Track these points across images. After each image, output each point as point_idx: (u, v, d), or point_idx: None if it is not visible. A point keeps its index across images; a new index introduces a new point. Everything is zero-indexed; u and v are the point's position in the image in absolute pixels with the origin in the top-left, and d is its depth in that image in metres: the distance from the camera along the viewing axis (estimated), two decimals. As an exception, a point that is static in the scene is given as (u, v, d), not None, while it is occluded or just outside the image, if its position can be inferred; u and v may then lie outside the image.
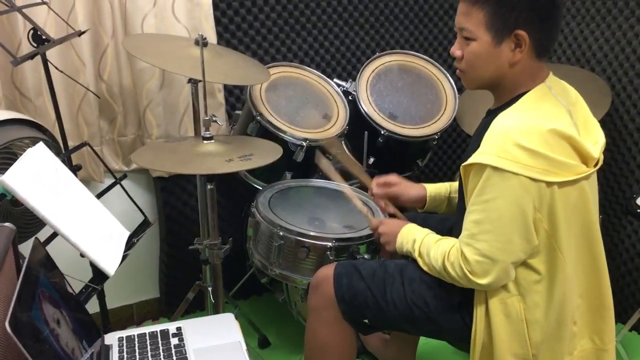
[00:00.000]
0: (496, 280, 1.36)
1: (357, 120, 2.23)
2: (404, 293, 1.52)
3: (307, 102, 2.20)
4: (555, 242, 1.36)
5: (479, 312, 1.44)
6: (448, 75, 2.39)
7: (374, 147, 2.22)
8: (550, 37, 1.38)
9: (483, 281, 1.36)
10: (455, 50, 1.44)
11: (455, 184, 1.76)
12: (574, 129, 1.35)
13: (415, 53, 2.44)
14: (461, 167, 1.39)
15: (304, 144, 2.05)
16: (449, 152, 2.98)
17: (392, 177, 1.81)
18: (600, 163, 1.42)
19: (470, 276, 1.37)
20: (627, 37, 2.27)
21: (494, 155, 1.29)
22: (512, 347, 1.41)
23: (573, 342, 1.48)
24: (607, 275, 1.49)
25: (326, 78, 2.31)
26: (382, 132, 2.18)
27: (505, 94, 1.43)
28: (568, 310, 1.42)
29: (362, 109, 2.21)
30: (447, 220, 1.79)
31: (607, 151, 2.43)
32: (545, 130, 1.30)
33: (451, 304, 1.51)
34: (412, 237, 1.55)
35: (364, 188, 2.16)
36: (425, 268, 1.50)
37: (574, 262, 1.41)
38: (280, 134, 2.04)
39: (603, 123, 2.37)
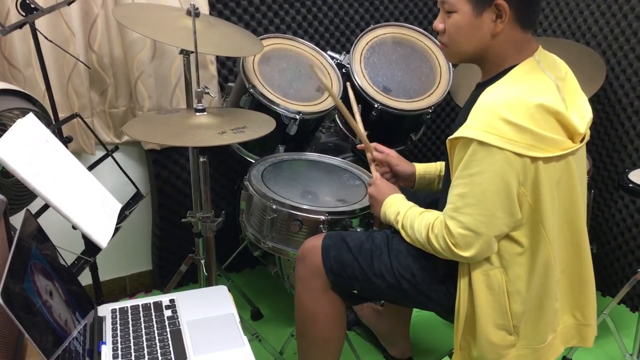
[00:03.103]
0: (479, 253, 1.37)
1: (351, 93, 2.21)
2: (391, 265, 1.54)
3: (300, 75, 2.19)
4: (538, 216, 1.37)
5: (462, 284, 1.46)
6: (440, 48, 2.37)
7: (368, 121, 2.21)
8: (531, 6, 1.38)
9: (466, 254, 1.37)
10: (438, 24, 1.44)
11: None
12: (562, 104, 1.35)
13: (410, 26, 2.42)
14: (447, 140, 1.40)
15: (297, 117, 2.04)
16: (442, 126, 2.97)
17: (390, 150, 1.81)
18: (587, 138, 1.42)
19: (454, 248, 1.38)
20: (623, 11, 2.26)
21: (479, 129, 1.29)
22: (493, 318, 1.43)
23: (556, 318, 1.50)
24: (588, 250, 1.51)
25: (320, 50, 2.29)
26: (376, 106, 2.17)
27: (492, 68, 1.43)
28: (550, 284, 1.44)
29: (355, 82, 2.20)
30: (435, 193, 1.79)
31: (600, 125, 2.43)
32: (532, 105, 1.29)
33: (437, 275, 1.52)
34: (396, 209, 1.55)
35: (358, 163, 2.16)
36: (408, 240, 1.51)
37: (556, 236, 1.42)
38: (274, 106, 2.03)
39: (597, 97, 2.38)
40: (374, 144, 1.81)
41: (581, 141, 1.40)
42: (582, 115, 1.41)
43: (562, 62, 1.48)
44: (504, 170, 1.30)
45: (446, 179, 1.49)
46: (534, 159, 1.31)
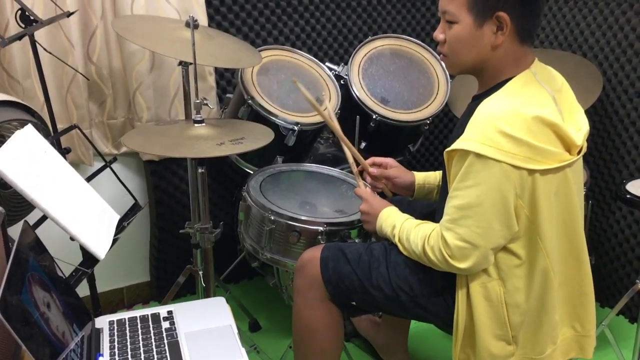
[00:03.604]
0: (475, 264, 1.37)
1: (349, 105, 2.22)
2: (389, 277, 1.54)
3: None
4: (535, 228, 1.37)
5: (460, 296, 1.45)
6: (440, 59, 2.38)
7: (366, 132, 2.22)
8: (532, 20, 1.38)
9: (462, 265, 1.37)
10: (438, 34, 1.44)
11: None
12: (559, 116, 1.35)
13: (408, 37, 2.43)
14: (445, 152, 1.40)
15: (296, 128, 2.04)
16: (440, 137, 2.98)
17: (389, 160, 1.80)
18: (584, 150, 1.42)
19: (450, 260, 1.38)
20: (619, 23, 2.27)
21: (477, 141, 1.30)
22: (492, 329, 1.43)
23: (556, 331, 1.50)
24: (587, 262, 1.50)
25: (318, 62, 2.30)
26: (374, 117, 2.18)
27: (489, 80, 1.44)
28: (549, 296, 1.43)
29: (354, 93, 2.21)
30: (432, 203, 1.79)
31: (597, 137, 2.44)
32: (529, 117, 1.30)
33: (435, 288, 1.52)
34: (392, 222, 1.55)
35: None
36: (405, 253, 1.51)
37: (554, 248, 1.42)
38: (272, 117, 2.03)
39: (594, 109, 2.39)
40: (371, 159, 1.79)
41: (578, 153, 1.40)
42: (578, 127, 1.42)
43: (558, 74, 1.49)
44: (501, 183, 1.30)
45: (443, 191, 1.50)
46: (531, 172, 1.31)
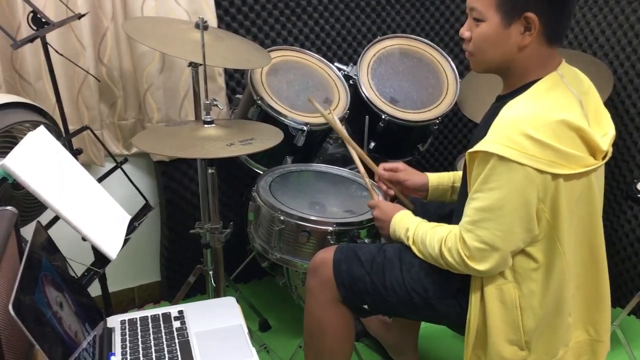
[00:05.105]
0: (494, 267, 1.36)
1: (358, 105, 2.22)
2: (403, 279, 1.53)
3: (308, 86, 2.20)
4: (555, 232, 1.36)
5: (474, 298, 1.44)
6: (449, 59, 2.38)
7: (375, 132, 2.22)
8: (560, 22, 1.35)
9: (481, 267, 1.36)
10: (464, 32, 1.41)
11: (459, 173, 1.75)
12: (584, 120, 1.33)
13: (417, 37, 2.43)
14: (467, 153, 1.38)
15: (305, 128, 2.05)
16: (450, 137, 2.97)
17: (399, 164, 1.80)
18: (609, 155, 1.39)
19: (468, 261, 1.37)
20: (630, 21, 2.26)
21: (500, 144, 1.28)
22: (506, 333, 1.42)
23: (568, 334, 1.49)
24: (605, 267, 1.49)
25: (327, 62, 2.30)
26: (383, 117, 2.18)
27: (515, 81, 1.41)
28: (564, 300, 1.42)
29: (363, 93, 2.21)
30: (446, 205, 1.79)
31: (608, 136, 2.43)
32: (555, 121, 1.28)
33: (449, 290, 1.51)
34: (405, 225, 1.55)
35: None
36: (420, 256, 1.50)
37: (573, 252, 1.41)
38: (281, 118, 2.04)
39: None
40: (380, 165, 1.79)
41: (603, 158, 1.37)
42: (604, 132, 1.39)
43: (585, 77, 1.46)
44: (523, 186, 1.29)
45: (462, 192, 1.48)
46: (555, 176, 1.29)
